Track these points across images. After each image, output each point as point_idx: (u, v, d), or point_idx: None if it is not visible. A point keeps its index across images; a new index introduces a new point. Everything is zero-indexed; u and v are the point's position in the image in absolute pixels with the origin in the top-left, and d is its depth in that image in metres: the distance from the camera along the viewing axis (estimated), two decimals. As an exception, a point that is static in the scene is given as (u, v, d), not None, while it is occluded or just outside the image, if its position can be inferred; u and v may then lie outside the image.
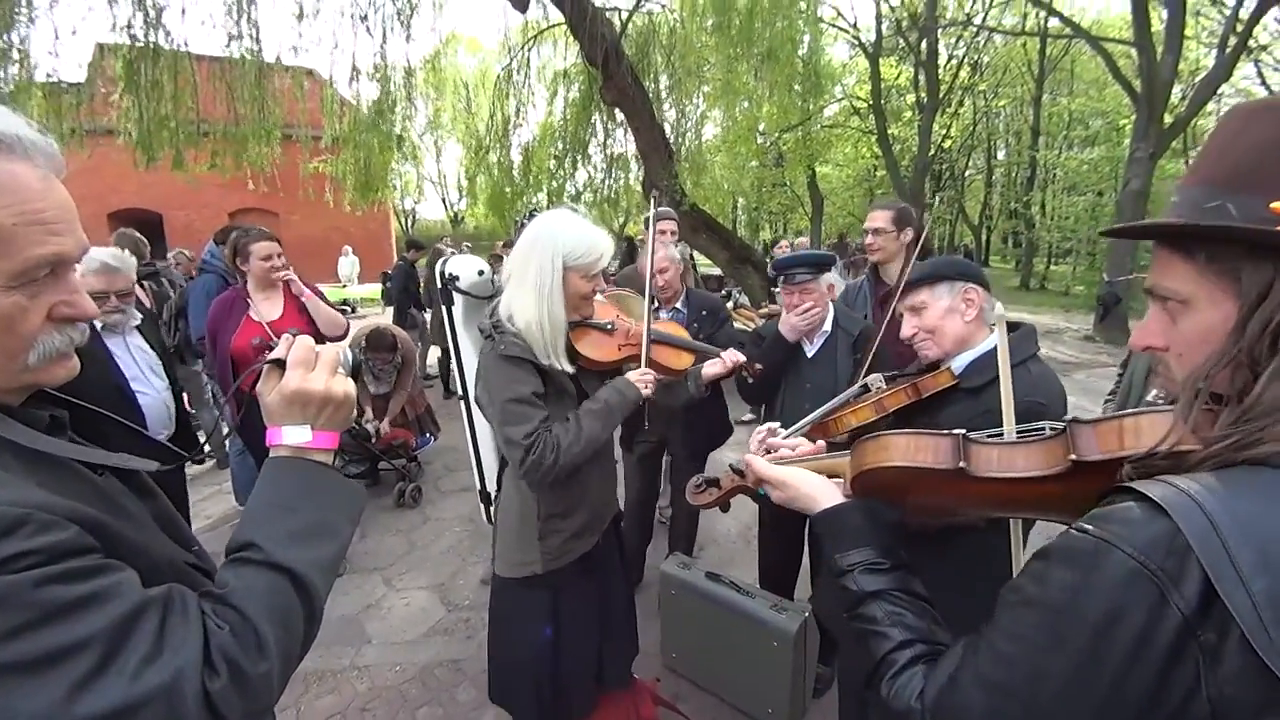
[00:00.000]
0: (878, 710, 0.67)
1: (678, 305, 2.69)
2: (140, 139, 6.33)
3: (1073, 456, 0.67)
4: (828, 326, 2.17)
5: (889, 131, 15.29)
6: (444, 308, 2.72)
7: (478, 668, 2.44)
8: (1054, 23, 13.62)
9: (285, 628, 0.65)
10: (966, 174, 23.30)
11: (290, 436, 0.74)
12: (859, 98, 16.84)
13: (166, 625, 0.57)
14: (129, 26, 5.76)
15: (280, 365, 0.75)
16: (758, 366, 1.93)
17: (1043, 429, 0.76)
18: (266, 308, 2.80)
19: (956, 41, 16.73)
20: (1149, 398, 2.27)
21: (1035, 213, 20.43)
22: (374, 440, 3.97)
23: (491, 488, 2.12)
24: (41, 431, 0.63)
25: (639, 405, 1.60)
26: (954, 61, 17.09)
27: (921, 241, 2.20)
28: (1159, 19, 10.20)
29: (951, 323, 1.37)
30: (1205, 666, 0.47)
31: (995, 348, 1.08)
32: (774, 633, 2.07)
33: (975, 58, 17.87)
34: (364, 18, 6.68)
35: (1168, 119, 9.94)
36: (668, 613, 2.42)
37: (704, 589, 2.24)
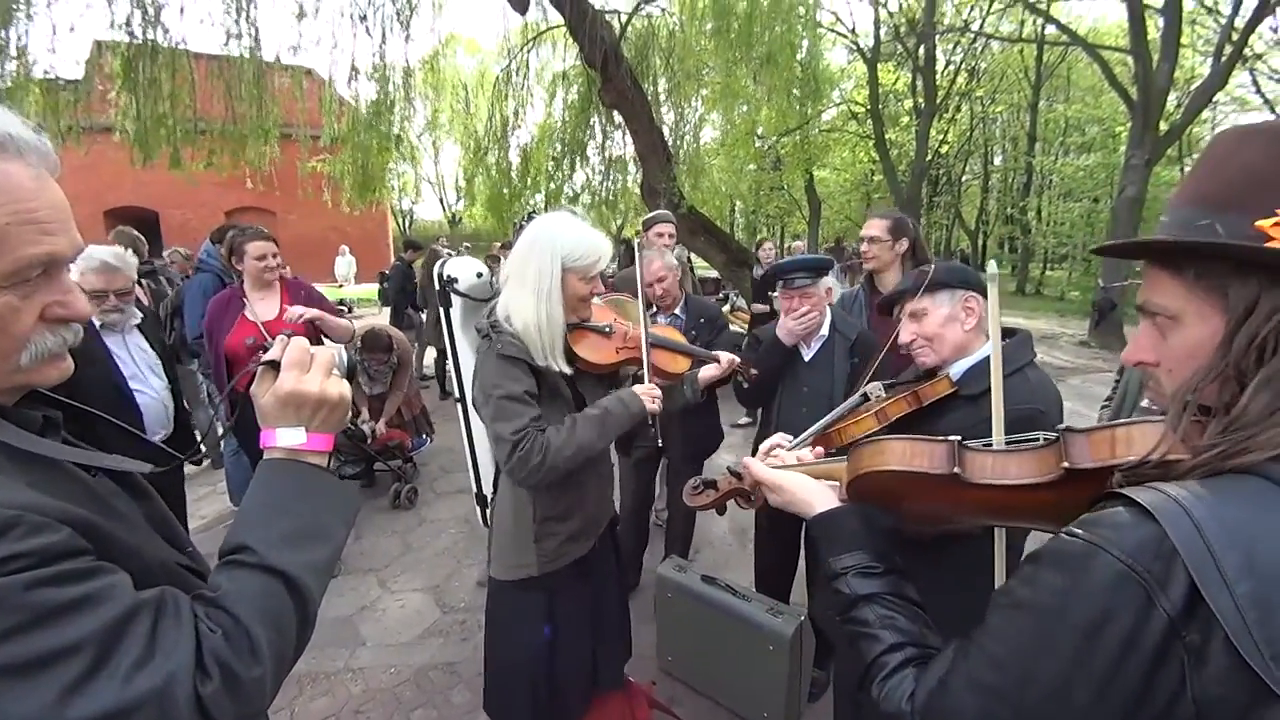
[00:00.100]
0: (870, 713, 0.68)
1: (676, 311, 2.69)
2: (138, 137, 6.32)
3: (1066, 464, 0.68)
4: (825, 331, 2.17)
5: (887, 136, 15.33)
6: (442, 309, 2.72)
7: (473, 670, 2.43)
8: (1051, 30, 13.69)
9: (278, 631, 0.65)
10: (963, 179, 23.38)
11: (284, 438, 0.74)
12: (857, 102, 16.88)
13: (159, 628, 0.56)
14: (127, 24, 5.74)
15: (275, 366, 0.75)
16: (754, 371, 1.93)
17: (1036, 438, 0.77)
18: (262, 307, 2.79)
19: (954, 48, 16.79)
20: (1143, 404, 2.28)
21: (1031, 218, 20.52)
22: (370, 441, 3.96)
23: (488, 490, 2.11)
24: (34, 432, 0.63)
25: (644, 420, 1.59)
26: (951, 67, 17.17)
27: (917, 252, 2.21)
28: (1155, 27, 10.28)
29: (951, 331, 1.38)
30: (1190, 668, 0.48)
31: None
32: (770, 636, 2.07)
33: (973, 64, 17.94)
34: (363, 18, 6.69)
35: (1163, 126, 10.02)
36: (663, 616, 2.41)
37: (700, 592, 2.24)
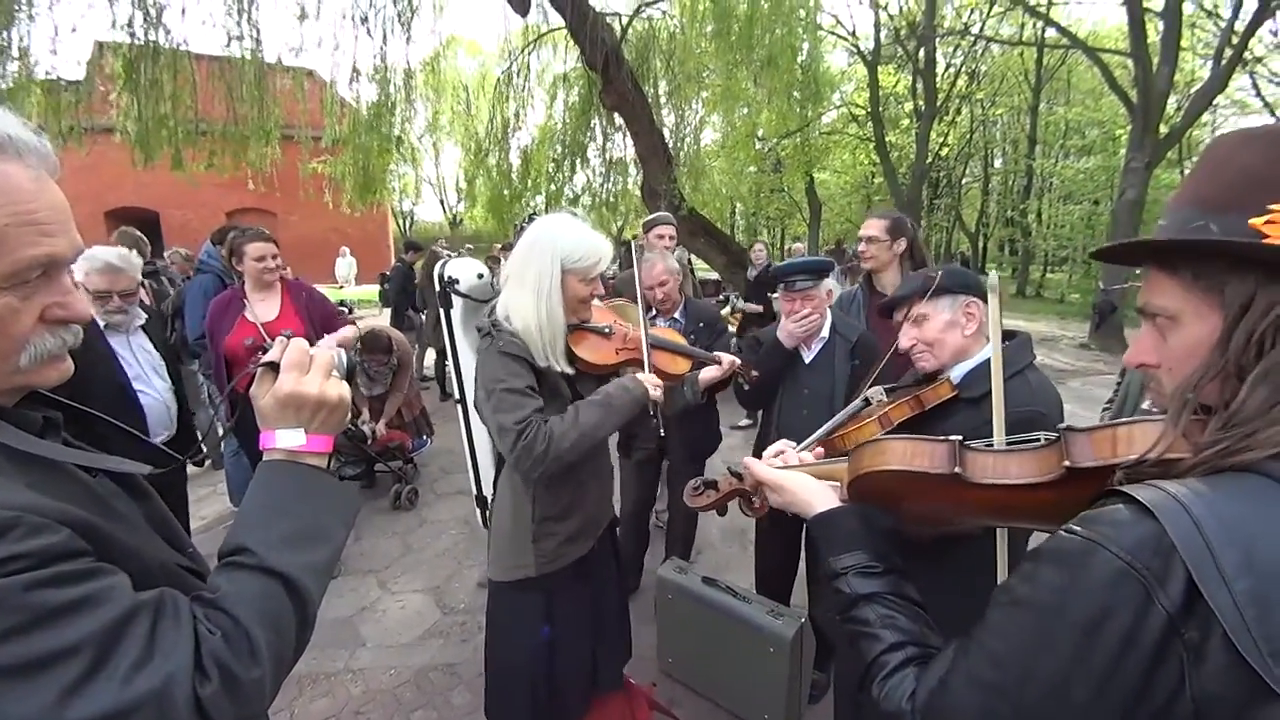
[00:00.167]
0: (870, 713, 0.68)
1: (675, 315, 2.68)
2: (139, 138, 6.34)
3: (1067, 463, 0.68)
4: (825, 333, 2.17)
5: (887, 139, 15.35)
6: (442, 310, 2.72)
7: (473, 671, 2.42)
8: (1051, 33, 13.71)
9: (277, 632, 0.64)
10: (963, 182, 23.39)
11: (284, 440, 0.74)
12: (857, 105, 16.91)
13: (158, 630, 0.56)
14: (129, 25, 5.77)
15: (274, 368, 0.75)
16: (754, 373, 1.93)
17: (1037, 438, 0.77)
18: (262, 308, 2.80)
19: (954, 50, 16.82)
20: (1144, 406, 2.28)
21: (1031, 221, 20.55)
22: (370, 442, 3.96)
23: (488, 492, 2.11)
24: (35, 433, 0.63)
25: (646, 408, 1.58)
26: (952, 70, 17.20)
27: (915, 252, 2.21)
28: (1155, 30, 10.29)
29: (951, 335, 1.38)
30: (1189, 665, 0.48)
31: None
32: (770, 638, 2.06)
33: (973, 67, 17.97)
34: (365, 19, 6.72)
35: (1163, 129, 10.04)
36: (664, 617, 2.41)
37: (700, 594, 2.24)
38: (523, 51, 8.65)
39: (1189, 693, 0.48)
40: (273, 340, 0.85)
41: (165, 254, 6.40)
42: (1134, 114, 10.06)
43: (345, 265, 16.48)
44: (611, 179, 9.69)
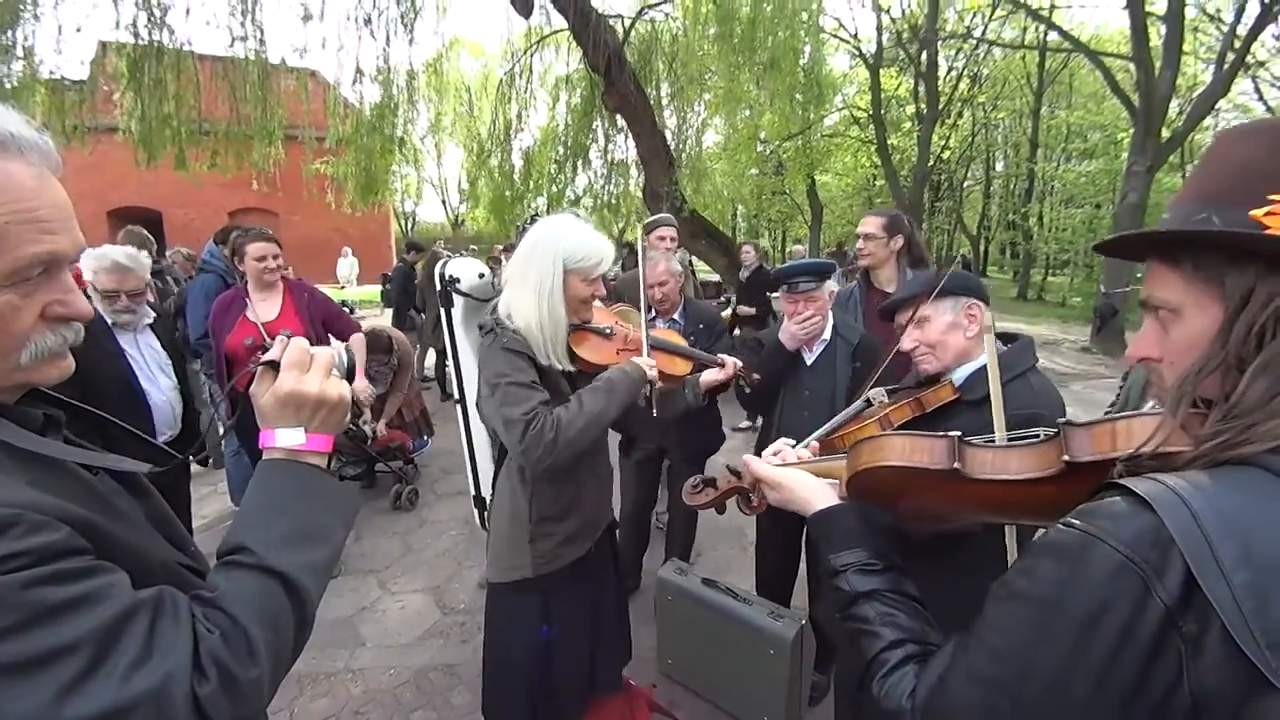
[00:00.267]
0: (870, 710, 0.68)
1: (675, 316, 2.68)
2: (142, 137, 6.36)
3: (1066, 458, 0.68)
4: (827, 335, 2.17)
5: (889, 141, 15.36)
6: (442, 310, 2.72)
7: (473, 672, 2.42)
8: (1053, 37, 13.74)
9: (276, 632, 0.64)
10: (965, 185, 23.40)
11: (284, 439, 0.74)
12: (859, 108, 16.91)
13: (156, 628, 0.56)
14: (133, 25, 5.79)
15: (275, 367, 0.75)
16: (755, 376, 1.93)
17: (1037, 433, 0.76)
18: (264, 308, 2.80)
19: (956, 54, 16.83)
20: (1145, 408, 2.28)
21: (1033, 224, 20.54)
22: (371, 442, 3.96)
23: (487, 493, 2.11)
24: (35, 431, 0.63)
25: (645, 392, 1.59)
26: (954, 73, 17.20)
27: (913, 249, 2.20)
28: (1157, 34, 10.29)
29: (954, 338, 1.37)
30: (1187, 657, 0.48)
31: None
32: (770, 640, 2.06)
33: (975, 70, 17.98)
34: (368, 20, 6.73)
35: (1165, 133, 10.03)
36: (664, 619, 2.41)
37: (700, 595, 2.24)
38: (525, 53, 8.67)
39: (1187, 686, 0.48)
40: (273, 340, 0.85)
41: (168, 253, 6.41)
42: (1136, 118, 10.05)
43: (347, 265, 16.48)
44: (613, 181, 9.70)
